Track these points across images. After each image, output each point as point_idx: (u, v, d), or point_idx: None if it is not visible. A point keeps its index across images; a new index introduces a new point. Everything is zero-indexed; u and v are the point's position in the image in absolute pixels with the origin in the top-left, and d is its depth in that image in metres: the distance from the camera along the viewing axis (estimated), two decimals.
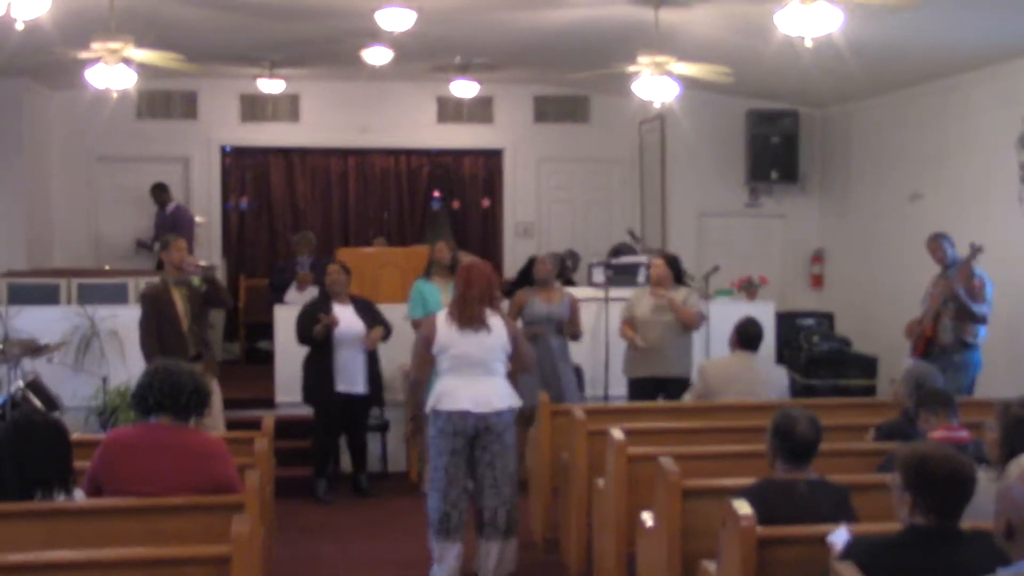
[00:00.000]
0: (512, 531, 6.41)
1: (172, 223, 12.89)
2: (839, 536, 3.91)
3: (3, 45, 8.74)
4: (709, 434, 6.54)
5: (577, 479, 6.72)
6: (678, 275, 9.00)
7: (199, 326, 8.21)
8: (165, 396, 4.81)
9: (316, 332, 8.71)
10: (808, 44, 7.30)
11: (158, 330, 8.05)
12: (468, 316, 6.28)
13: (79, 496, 4.65)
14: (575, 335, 9.05)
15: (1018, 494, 3.07)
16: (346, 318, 8.85)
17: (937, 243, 8.95)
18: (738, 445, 5.95)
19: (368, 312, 9.00)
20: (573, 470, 6.80)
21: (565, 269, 11.80)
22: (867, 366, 11.20)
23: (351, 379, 8.88)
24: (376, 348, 9.00)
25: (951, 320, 8.63)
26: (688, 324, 8.77)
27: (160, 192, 13.09)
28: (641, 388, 8.74)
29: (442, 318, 6.36)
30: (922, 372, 6.23)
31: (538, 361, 8.69)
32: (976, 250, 8.58)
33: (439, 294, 8.75)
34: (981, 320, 8.64)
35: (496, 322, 6.39)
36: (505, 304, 8.61)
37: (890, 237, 11.75)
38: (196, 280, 8.19)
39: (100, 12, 8.29)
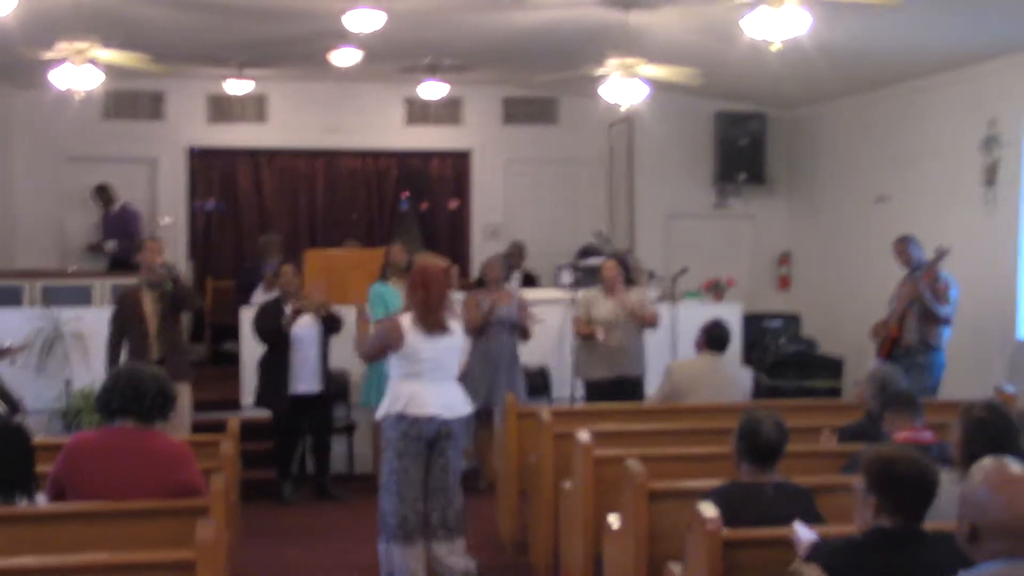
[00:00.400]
0: (460, 530, 6.40)
1: (120, 222, 12.83)
2: (804, 531, 3.93)
3: None
4: (676, 436, 6.55)
5: (544, 481, 6.72)
6: (628, 275, 9.07)
7: (168, 329, 8.16)
8: (129, 399, 4.76)
9: (285, 322, 8.71)
10: (775, 47, 7.32)
11: (125, 331, 8.02)
12: (434, 321, 6.26)
13: (41, 501, 4.61)
14: (525, 335, 9.02)
15: (981, 497, 3.09)
16: (302, 319, 8.85)
17: (903, 245, 9.00)
18: (705, 447, 5.96)
19: (324, 311, 8.99)
20: (540, 472, 6.81)
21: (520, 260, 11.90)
22: (833, 367, 11.27)
23: (307, 379, 8.90)
24: (328, 344, 9.03)
25: (916, 322, 8.69)
26: (650, 326, 8.85)
27: (103, 193, 13.01)
28: (600, 390, 8.77)
29: (407, 324, 6.28)
30: (886, 374, 6.27)
31: (490, 363, 8.73)
32: (942, 253, 8.65)
33: (399, 297, 8.75)
34: (945, 322, 8.70)
35: (454, 324, 6.42)
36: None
37: (857, 239, 11.82)
38: (168, 285, 8.15)
39: (66, 12, 8.23)
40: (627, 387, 8.74)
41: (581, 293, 9.34)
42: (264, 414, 9.21)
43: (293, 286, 9.01)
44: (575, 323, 9.05)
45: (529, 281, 12.49)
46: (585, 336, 8.90)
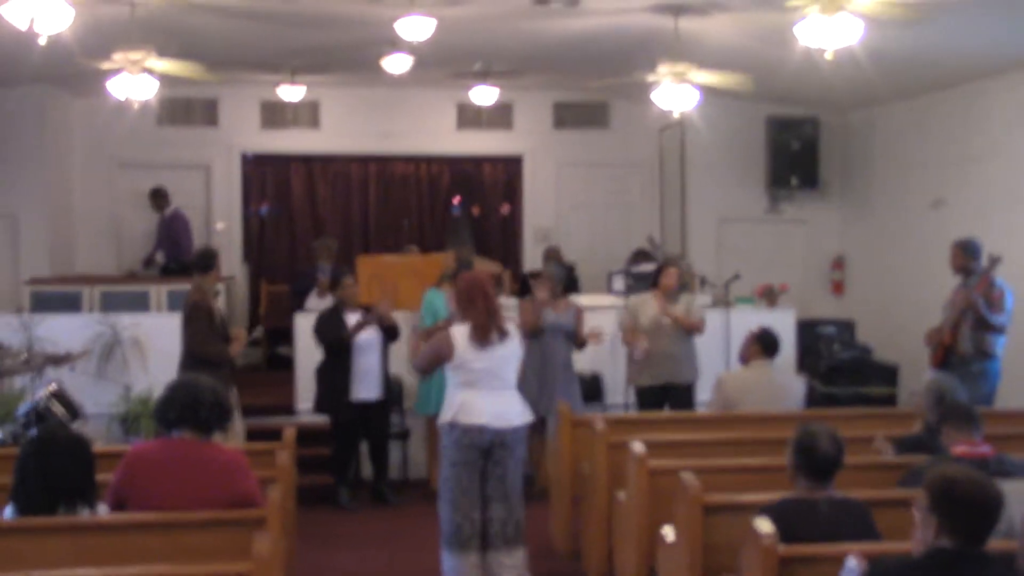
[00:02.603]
0: (521, 540, 6.41)
1: (168, 228, 12.97)
2: (848, 572, 3.90)
3: (26, 57, 8.77)
4: (729, 446, 6.53)
5: (598, 491, 6.72)
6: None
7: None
8: (186, 410, 4.84)
9: (348, 334, 8.78)
10: (828, 56, 7.28)
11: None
12: (489, 332, 6.27)
13: (102, 510, 4.67)
14: (580, 344, 9.05)
15: None
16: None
17: (959, 250, 8.86)
18: (758, 458, 5.93)
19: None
20: (593, 482, 6.81)
21: (573, 278, 11.87)
22: (888, 374, 11.16)
23: (367, 386, 8.94)
24: (388, 352, 9.07)
25: (970, 330, 8.56)
26: (694, 330, 8.85)
27: (158, 197, 13.13)
28: (650, 395, 8.77)
29: (461, 335, 6.29)
30: (944, 385, 6.20)
31: (542, 370, 8.74)
32: (994, 261, 8.53)
33: (448, 302, 8.80)
34: (1000, 330, 8.57)
35: (511, 329, 6.41)
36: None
37: (912, 244, 11.70)
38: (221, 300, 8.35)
39: (121, 23, 8.34)
40: (676, 394, 8.72)
41: (631, 299, 9.33)
42: (320, 419, 9.27)
43: (355, 297, 9.08)
44: (622, 330, 9.06)
45: (570, 284, 12.44)
46: (629, 345, 8.92)
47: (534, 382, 8.65)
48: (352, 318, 8.93)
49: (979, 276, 8.60)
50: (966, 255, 8.73)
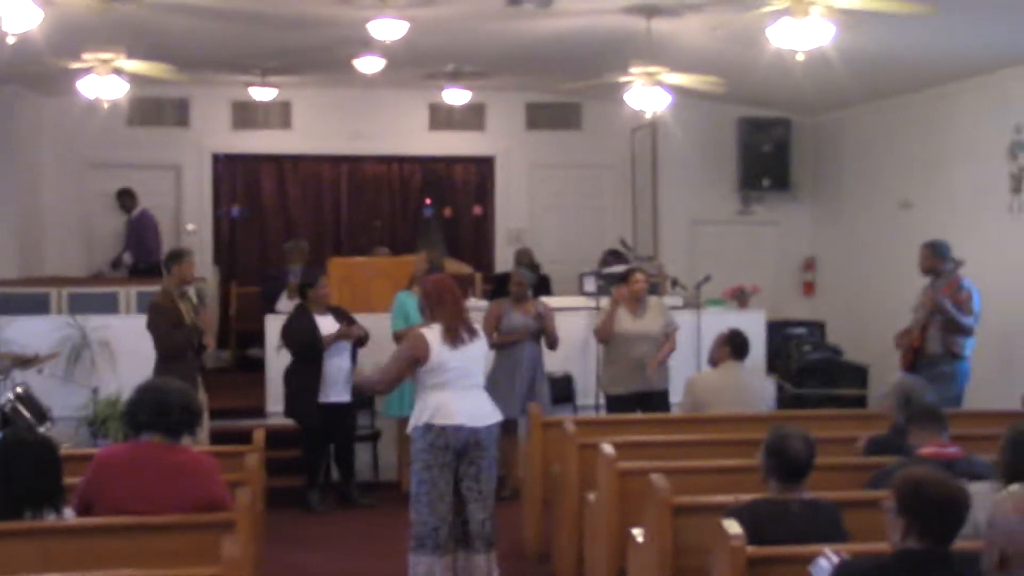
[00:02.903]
0: (495, 541, 6.40)
1: (135, 228, 12.93)
2: (819, 569, 3.91)
3: None
4: (700, 447, 6.54)
5: (568, 492, 6.72)
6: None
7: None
8: (155, 414, 4.80)
9: (326, 341, 8.76)
10: (800, 58, 7.31)
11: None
12: (460, 330, 6.26)
13: (69, 515, 4.63)
14: (552, 344, 9.05)
15: (1011, 524, 3.08)
16: (328, 327, 8.88)
17: (928, 251, 8.91)
18: (729, 459, 5.94)
19: (347, 320, 9.02)
20: (564, 483, 6.81)
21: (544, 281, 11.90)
22: (858, 375, 11.20)
23: (336, 388, 8.90)
24: (357, 354, 9.04)
25: (938, 331, 8.61)
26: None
27: (125, 198, 13.12)
28: (622, 404, 8.77)
29: (433, 337, 6.25)
30: (910, 386, 6.23)
31: (514, 372, 8.75)
32: (958, 263, 8.60)
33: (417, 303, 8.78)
34: (968, 332, 8.62)
35: (478, 328, 6.43)
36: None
37: (882, 245, 11.77)
38: (193, 297, 8.27)
39: (91, 23, 8.28)
40: (652, 402, 8.71)
41: (605, 302, 9.33)
42: (290, 422, 9.23)
43: (325, 299, 9.05)
44: (597, 333, 9.06)
45: (543, 284, 12.44)
46: (605, 335, 8.89)
47: (505, 383, 8.65)
48: (322, 320, 8.88)
49: (946, 278, 8.65)
50: (935, 256, 8.77)
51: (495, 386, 8.35)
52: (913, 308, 8.94)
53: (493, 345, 8.34)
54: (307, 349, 8.85)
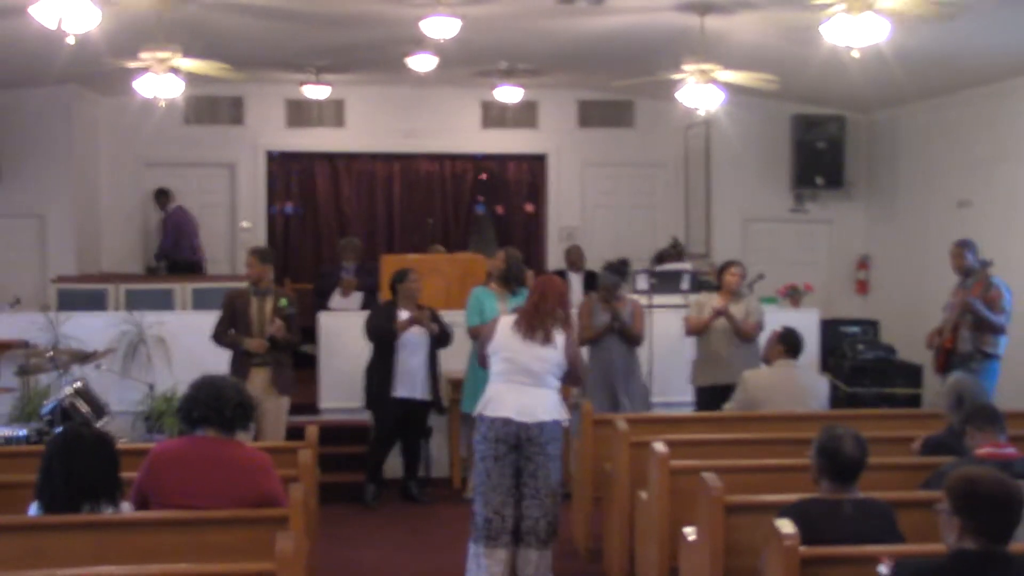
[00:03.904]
0: (550, 540, 6.41)
1: (173, 225, 13.10)
2: (885, 568, 3.88)
3: (54, 56, 8.84)
4: (752, 446, 6.51)
5: (619, 490, 6.71)
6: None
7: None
8: (210, 409, 4.85)
9: (400, 326, 8.77)
10: (855, 54, 7.25)
11: (232, 328, 8.32)
12: (535, 326, 6.29)
13: (126, 508, 4.69)
14: (633, 340, 8.95)
15: None
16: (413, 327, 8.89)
17: (960, 250, 8.83)
18: (781, 458, 5.91)
19: (432, 319, 9.01)
20: (616, 481, 6.79)
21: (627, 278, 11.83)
22: (912, 374, 11.10)
23: (413, 384, 8.90)
24: (436, 352, 9.04)
25: (969, 331, 8.56)
26: (747, 337, 8.77)
27: (161, 197, 13.30)
28: (708, 396, 8.73)
29: (506, 322, 6.39)
30: (963, 386, 6.15)
31: (607, 372, 8.68)
32: (986, 264, 8.57)
33: (495, 300, 8.76)
34: (999, 330, 8.54)
35: (560, 339, 6.38)
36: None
37: (937, 244, 11.59)
38: (283, 301, 8.32)
39: (149, 23, 8.39)
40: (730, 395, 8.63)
41: (698, 296, 9.29)
42: (343, 418, 9.29)
43: (415, 294, 9.03)
44: (686, 322, 9.01)
45: (591, 281, 12.40)
46: (700, 328, 8.88)
47: (598, 383, 8.61)
48: (405, 316, 8.91)
49: (976, 277, 8.59)
50: (969, 253, 8.73)
51: (590, 386, 8.45)
52: (943, 307, 8.87)
53: (583, 341, 8.32)
54: (382, 335, 8.85)
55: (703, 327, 8.85)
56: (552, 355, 6.34)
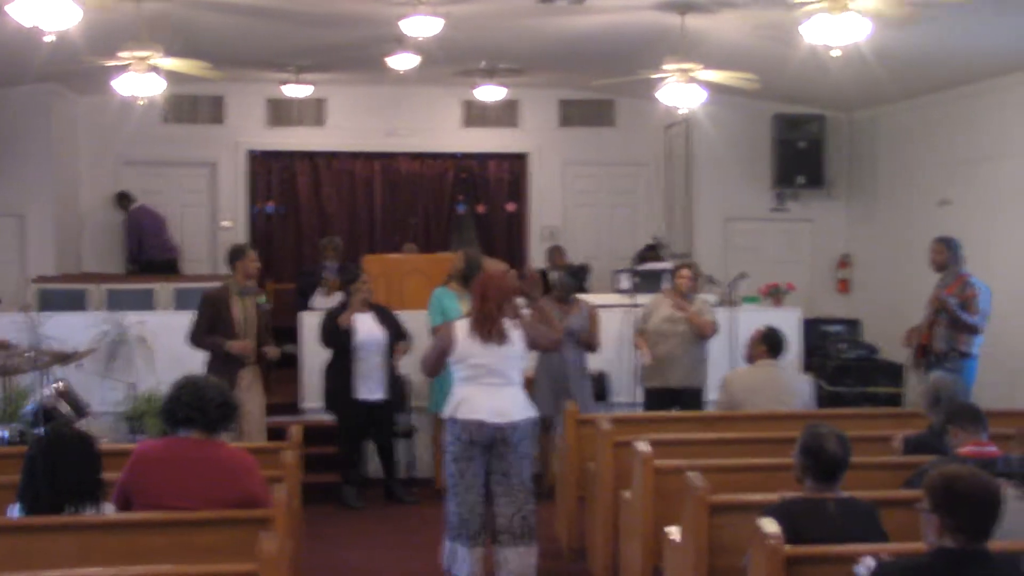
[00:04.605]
0: (529, 536, 6.41)
1: (133, 226, 13.07)
2: (863, 568, 3.90)
3: (32, 55, 8.79)
4: (736, 445, 6.53)
5: (603, 490, 6.71)
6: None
7: (256, 339, 8.28)
8: (193, 410, 4.82)
9: (342, 320, 8.75)
10: (835, 54, 7.27)
11: (213, 331, 8.12)
12: (487, 328, 6.30)
13: (108, 509, 4.67)
14: (591, 346, 9.01)
15: None
16: (367, 325, 8.88)
17: (941, 246, 8.86)
18: (765, 457, 5.93)
19: (388, 320, 9.02)
20: (599, 481, 6.80)
21: (582, 283, 11.83)
22: (894, 374, 11.13)
23: (371, 386, 8.90)
24: (393, 352, 9.03)
25: (945, 329, 8.59)
26: (703, 334, 8.79)
27: (123, 200, 13.31)
28: (656, 398, 8.75)
29: (461, 328, 6.37)
30: (942, 385, 6.17)
31: (554, 373, 8.74)
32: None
33: (455, 300, 8.78)
34: (974, 330, 8.55)
35: (514, 333, 6.40)
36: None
37: (918, 243, 11.58)
38: (262, 299, 8.27)
39: (128, 21, 8.36)
40: (683, 399, 8.67)
41: (649, 300, 9.29)
42: (325, 418, 9.26)
43: (369, 294, 9.00)
44: (635, 335, 9.06)
45: (580, 274, 12.42)
46: (639, 349, 8.93)
47: (546, 385, 8.66)
48: (360, 317, 8.88)
49: (954, 275, 8.62)
50: (950, 251, 8.75)
51: (537, 387, 8.44)
52: (925, 305, 8.91)
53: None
54: (327, 339, 8.88)
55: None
56: (512, 351, 6.36)
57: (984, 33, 8.93)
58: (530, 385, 6.85)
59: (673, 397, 8.69)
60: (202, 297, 8.38)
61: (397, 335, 9.03)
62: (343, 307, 9.03)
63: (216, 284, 8.79)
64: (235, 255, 8.34)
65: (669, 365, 8.73)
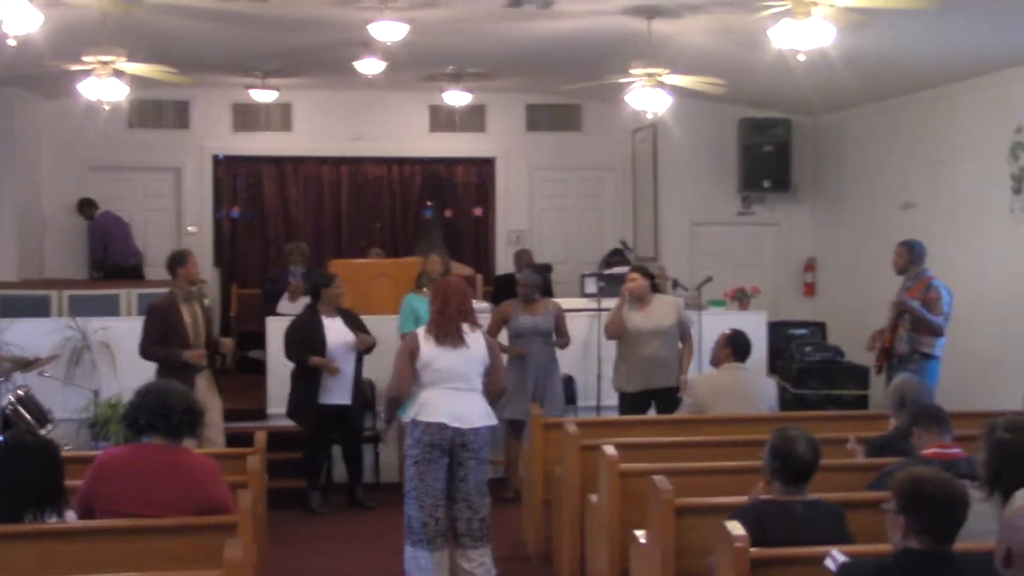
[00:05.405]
0: (486, 538, 6.47)
1: (100, 231, 13.01)
2: (831, 561, 3.91)
3: None
4: (702, 448, 6.53)
5: (570, 493, 6.72)
6: (653, 283, 8.99)
7: (207, 341, 8.22)
8: (156, 416, 4.78)
9: (313, 363, 8.70)
10: (801, 58, 7.32)
11: (165, 342, 8.01)
12: (446, 332, 6.37)
13: (71, 517, 4.62)
14: (563, 344, 9.04)
15: (1018, 523, 3.08)
16: (336, 330, 8.84)
17: (904, 249, 8.93)
18: (731, 461, 5.95)
19: (355, 324, 8.99)
20: (565, 484, 6.80)
21: (548, 282, 11.82)
22: (859, 376, 11.16)
23: (338, 391, 8.85)
24: (362, 357, 8.99)
25: (907, 331, 8.65)
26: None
27: (87, 207, 13.22)
28: (634, 402, 8.69)
29: (423, 333, 6.45)
30: (907, 387, 6.20)
31: (526, 374, 8.76)
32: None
33: (428, 305, 8.75)
34: (937, 331, 8.62)
35: (474, 338, 6.46)
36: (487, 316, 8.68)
37: (883, 246, 11.66)
38: (206, 301, 8.22)
39: (92, 25, 8.29)
40: (660, 398, 8.61)
41: (609, 302, 9.28)
42: (291, 423, 9.21)
43: (340, 300, 8.97)
44: (606, 327, 8.94)
45: (546, 288, 12.43)
46: (613, 331, 8.76)
47: (517, 385, 8.64)
48: (328, 322, 8.84)
49: (916, 278, 8.69)
50: (912, 254, 8.82)
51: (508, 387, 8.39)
52: (889, 307, 8.97)
53: (504, 350, 8.29)
54: (292, 355, 8.84)
55: (619, 323, 8.76)
56: (471, 355, 6.42)
57: (946, 38, 9.00)
58: None
59: (651, 397, 8.63)
60: (149, 308, 8.29)
61: (367, 351, 9.00)
62: (306, 315, 8.96)
63: (162, 292, 8.67)
64: (176, 261, 8.25)
65: (653, 367, 8.64)
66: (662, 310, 8.72)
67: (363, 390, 9.22)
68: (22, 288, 11.56)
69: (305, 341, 8.78)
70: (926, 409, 5.54)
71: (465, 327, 6.44)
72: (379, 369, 9.27)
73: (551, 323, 8.97)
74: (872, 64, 9.75)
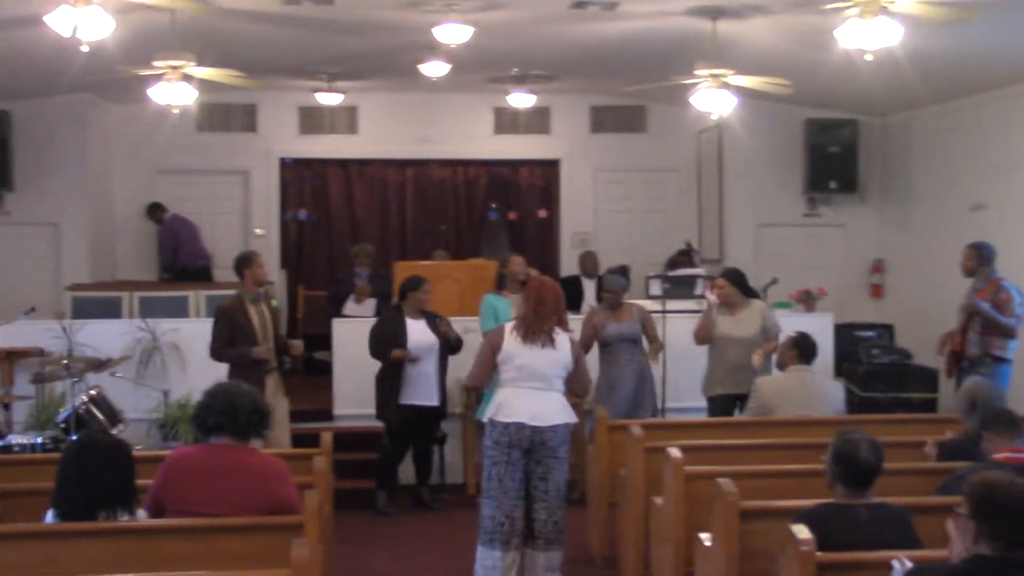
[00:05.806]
0: (559, 540, 6.47)
1: (169, 234, 13.15)
2: (898, 564, 3.87)
3: (68, 65, 8.88)
4: (767, 451, 6.48)
5: (634, 496, 6.70)
6: (745, 289, 8.89)
7: (276, 342, 8.29)
8: (225, 417, 4.85)
9: (394, 355, 8.74)
10: (868, 58, 7.25)
11: (233, 345, 8.10)
12: (536, 330, 6.36)
13: (141, 516, 4.70)
14: (657, 349, 8.93)
15: None
16: (419, 331, 8.87)
17: (972, 251, 8.82)
18: (796, 464, 5.90)
19: (440, 325, 8.98)
20: (630, 487, 6.79)
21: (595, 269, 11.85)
22: (928, 379, 11.05)
23: (425, 392, 8.87)
24: (447, 357, 9.03)
25: (978, 334, 8.54)
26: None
27: (156, 211, 13.38)
28: (721, 406, 8.65)
29: (509, 329, 6.45)
30: (977, 390, 6.11)
31: (616, 379, 8.67)
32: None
33: (510, 308, 8.76)
34: (1008, 333, 8.50)
35: (562, 339, 6.45)
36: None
37: (952, 248, 11.51)
38: (274, 302, 8.30)
39: (162, 31, 8.41)
40: (745, 401, 8.53)
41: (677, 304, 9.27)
42: (357, 424, 9.29)
43: (424, 302, 8.99)
44: (695, 333, 8.89)
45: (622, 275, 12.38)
46: (701, 337, 8.74)
47: (606, 391, 8.60)
48: (414, 324, 8.88)
49: (986, 279, 8.57)
50: (981, 257, 8.70)
51: (598, 393, 8.39)
52: (958, 310, 8.86)
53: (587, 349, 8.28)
54: (377, 353, 8.87)
55: (707, 329, 8.73)
56: (556, 356, 6.42)
57: (1017, 36, 8.87)
58: None
59: (736, 401, 8.59)
60: (217, 310, 8.38)
61: (453, 348, 9.04)
62: (391, 316, 8.98)
63: (224, 294, 8.77)
64: (243, 263, 8.34)
65: (740, 371, 8.55)
66: (749, 317, 8.66)
67: (447, 394, 9.20)
68: (95, 290, 11.75)
69: (390, 340, 8.82)
70: (997, 413, 5.47)
71: (556, 328, 6.44)
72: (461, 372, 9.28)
73: (637, 329, 8.84)
74: (940, 63, 9.64)
